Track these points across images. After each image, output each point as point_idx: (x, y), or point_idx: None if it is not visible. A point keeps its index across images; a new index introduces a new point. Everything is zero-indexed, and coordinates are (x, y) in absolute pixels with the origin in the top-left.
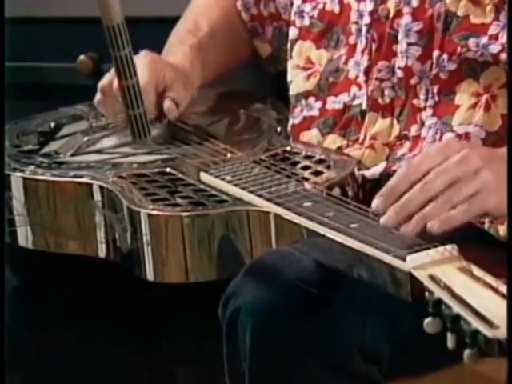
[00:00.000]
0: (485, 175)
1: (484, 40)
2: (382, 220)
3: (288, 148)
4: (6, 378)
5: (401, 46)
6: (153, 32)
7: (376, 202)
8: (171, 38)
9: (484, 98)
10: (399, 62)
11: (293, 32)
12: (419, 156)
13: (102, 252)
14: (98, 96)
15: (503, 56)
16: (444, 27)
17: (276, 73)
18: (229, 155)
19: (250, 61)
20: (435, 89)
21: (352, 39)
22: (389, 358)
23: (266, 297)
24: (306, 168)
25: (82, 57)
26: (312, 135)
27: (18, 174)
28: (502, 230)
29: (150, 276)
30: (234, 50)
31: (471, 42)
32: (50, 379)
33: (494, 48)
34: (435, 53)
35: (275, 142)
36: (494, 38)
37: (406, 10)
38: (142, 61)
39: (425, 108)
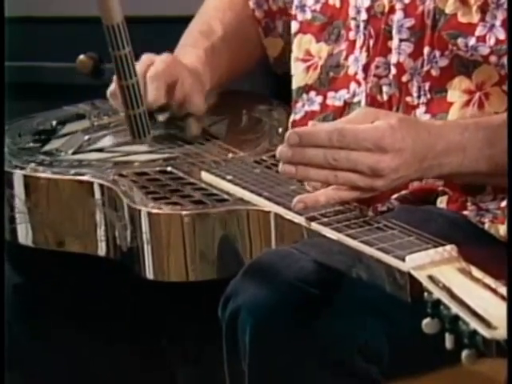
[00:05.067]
0: (382, 185)
1: (472, 41)
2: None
3: None
4: (6, 378)
5: (394, 43)
6: (153, 32)
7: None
8: (184, 39)
9: (477, 95)
10: (393, 58)
11: (294, 26)
12: (355, 127)
13: (101, 250)
14: (111, 86)
15: (493, 58)
16: (433, 24)
17: (277, 74)
18: (230, 155)
19: None
20: (427, 86)
21: (352, 35)
22: (389, 357)
23: (266, 296)
24: None
25: (81, 57)
26: None
27: (19, 171)
28: (502, 229)
29: (149, 275)
30: (245, 55)
31: (460, 41)
32: (51, 378)
33: (483, 50)
34: (426, 49)
35: (276, 142)
36: (482, 39)
37: (398, 6)
38: (162, 57)
39: (418, 105)
